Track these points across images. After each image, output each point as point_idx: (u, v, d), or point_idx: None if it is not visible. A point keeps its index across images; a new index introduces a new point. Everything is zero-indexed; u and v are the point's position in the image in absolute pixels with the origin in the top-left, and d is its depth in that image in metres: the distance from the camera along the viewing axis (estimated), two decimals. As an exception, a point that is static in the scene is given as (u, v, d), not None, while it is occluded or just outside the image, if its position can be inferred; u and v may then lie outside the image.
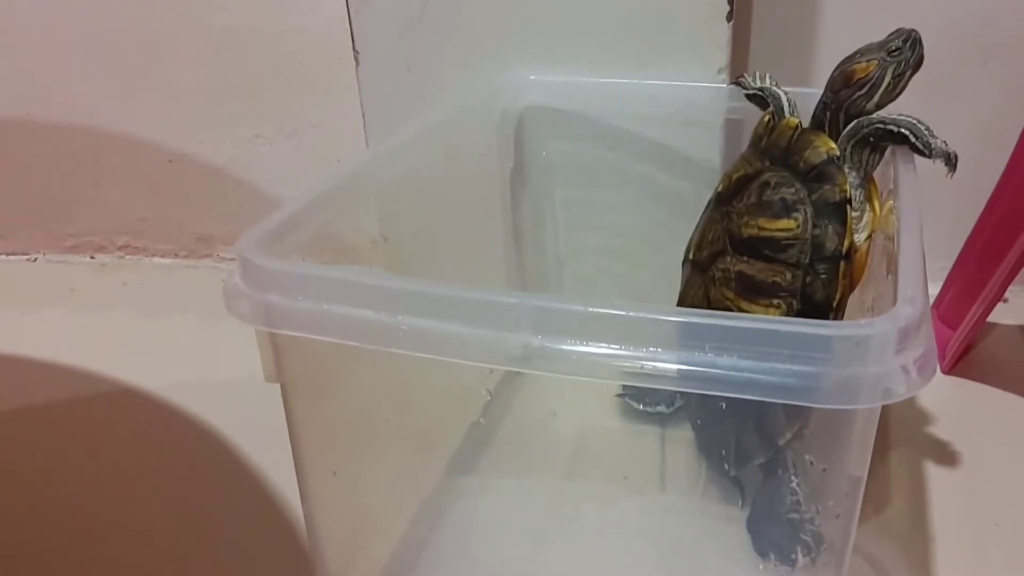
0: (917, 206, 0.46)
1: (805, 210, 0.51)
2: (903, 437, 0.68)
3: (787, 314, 0.51)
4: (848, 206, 0.50)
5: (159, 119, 0.95)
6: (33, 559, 0.61)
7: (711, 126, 0.67)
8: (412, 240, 0.73)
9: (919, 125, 0.51)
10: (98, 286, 0.99)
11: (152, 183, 0.99)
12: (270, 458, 0.67)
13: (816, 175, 0.51)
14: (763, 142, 0.55)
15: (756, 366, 0.35)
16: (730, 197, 0.56)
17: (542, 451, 0.66)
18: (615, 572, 0.55)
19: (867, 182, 0.52)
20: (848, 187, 0.50)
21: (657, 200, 0.71)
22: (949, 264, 0.79)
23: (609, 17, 0.66)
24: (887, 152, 0.52)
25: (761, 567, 0.53)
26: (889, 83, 0.51)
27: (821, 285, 0.51)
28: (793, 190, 0.51)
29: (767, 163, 0.54)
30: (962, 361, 0.76)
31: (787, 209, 0.51)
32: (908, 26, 0.52)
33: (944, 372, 0.75)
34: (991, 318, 0.78)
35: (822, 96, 0.54)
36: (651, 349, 0.36)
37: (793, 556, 0.51)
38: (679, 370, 0.36)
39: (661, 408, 0.66)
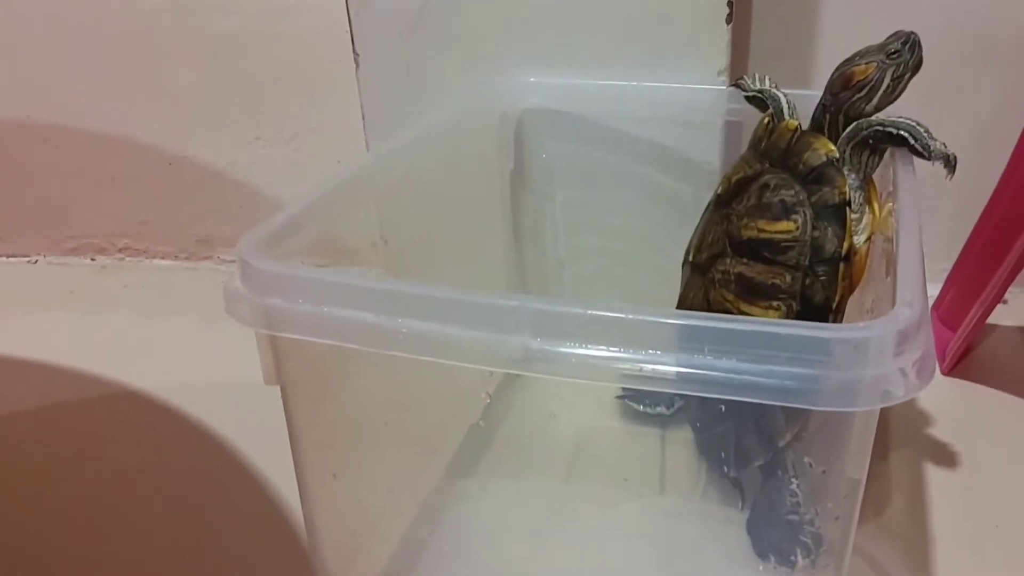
0: (916, 208, 0.46)
1: (805, 212, 0.51)
2: (903, 438, 0.68)
3: (786, 316, 0.51)
4: (847, 208, 0.50)
5: (159, 121, 0.95)
6: (34, 560, 0.61)
7: (711, 128, 0.67)
8: (412, 242, 0.73)
9: (918, 127, 0.51)
10: (98, 288, 0.99)
11: (152, 185, 0.99)
12: (270, 460, 0.67)
13: (815, 177, 0.51)
14: (763, 144, 0.55)
15: (755, 368, 0.35)
16: (730, 199, 0.56)
17: (542, 453, 0.66)
18: (615, 574, 0.55)
19: (866, 184, 0.52)
20: (847, 189, 0.50)
21: (657, 202, 0.71)
22: (949, 265, 0.79)
23: (609, 19, 0.66)
24: (886, 154, 0.52)
25: (761, 569, 0.53)
26: (888, 85, 0.52)
27: (820, 287, 0.51)
28: (792, 192, 0.52)
29: (767, 165, 0.54)
30: (962, 362, 0.76)
31: (787, 211, 0.51)
32: (907, 28, 0.52)
33: (944, 373, 0.75)
34: (991, 319, 0.78)
35: (821, 98, 0.54)
36: (650, 352, 0.36)
37: (793, 558, 0.51)
38: (678, 373, 0.36)
39: (661, 410, 0.66)
